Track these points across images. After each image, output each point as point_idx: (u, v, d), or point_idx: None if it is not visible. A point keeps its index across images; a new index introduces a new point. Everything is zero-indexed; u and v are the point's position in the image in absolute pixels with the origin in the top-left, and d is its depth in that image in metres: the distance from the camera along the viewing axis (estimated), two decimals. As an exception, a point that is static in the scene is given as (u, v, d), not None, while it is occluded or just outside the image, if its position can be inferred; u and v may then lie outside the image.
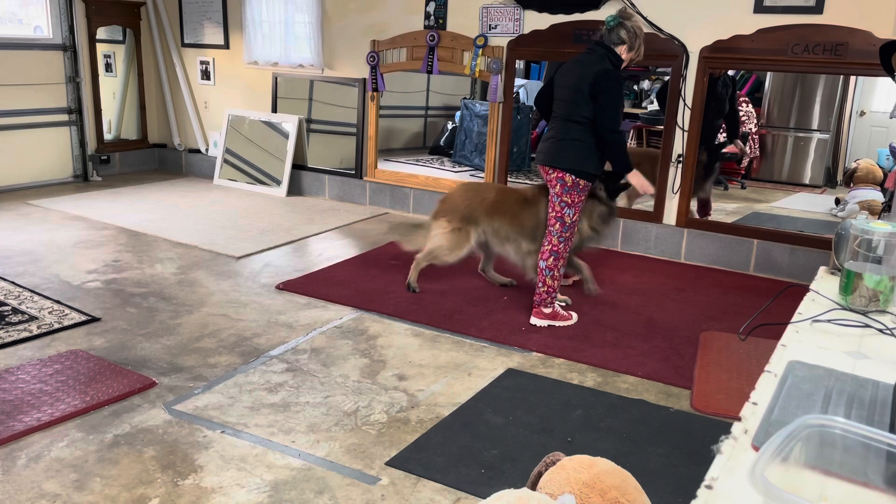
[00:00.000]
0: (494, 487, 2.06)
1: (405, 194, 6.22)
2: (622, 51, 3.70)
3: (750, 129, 6.56)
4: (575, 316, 3.94)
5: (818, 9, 4.43)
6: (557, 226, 3.78)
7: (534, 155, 7.30)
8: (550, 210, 3.81)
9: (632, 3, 4.95)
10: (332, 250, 5.08)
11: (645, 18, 4.93)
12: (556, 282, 3.85)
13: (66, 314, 3.74)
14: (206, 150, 7.45)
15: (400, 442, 2.67)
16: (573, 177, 3.69)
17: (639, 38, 3.71)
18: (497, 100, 5.67)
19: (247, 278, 4.43)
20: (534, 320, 3.86)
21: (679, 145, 5.01)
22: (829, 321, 1.69)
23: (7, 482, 2.37)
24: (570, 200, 3.75)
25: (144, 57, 7.48)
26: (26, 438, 2.62)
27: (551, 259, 3.80)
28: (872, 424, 1.15)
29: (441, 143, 7.67)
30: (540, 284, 3.85)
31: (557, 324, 3.85)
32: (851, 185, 5.61)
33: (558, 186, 3.74)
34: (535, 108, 4.35)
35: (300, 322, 3.78)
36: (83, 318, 3.70)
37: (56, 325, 3.59)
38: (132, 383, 3.02)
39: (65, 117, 6.86)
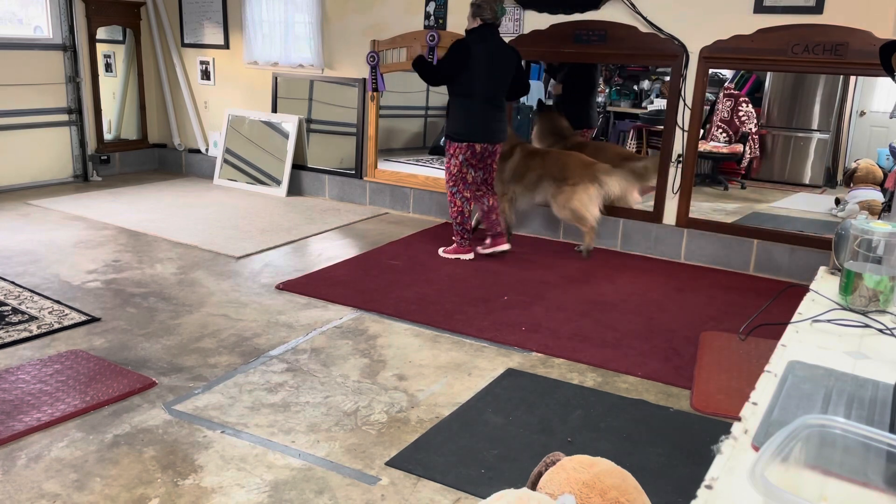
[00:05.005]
0: (494, 487, 2.05)
1: (405, 194, 6.22)
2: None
3: (750, 129, 6.56)
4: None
5: (818, 9, 4.43)
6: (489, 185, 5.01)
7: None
8: (489, 173, 4.92)
9: (632, 4, 4.95)
10: (332, 250, 5.08)
11: (645, 18, 4.93)
12: None
13: (66, 314, 3.74)
14: (206, 150, 7.45)
15: (400, 442, 2.67)
16: None
17: None
18: (497, 100, 5.66)
19: (247, 278, 4.43)
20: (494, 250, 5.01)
21: (679, 145, 5.01)
22: (829, 321, 1.69)
23: (7, 482, 2.37)
24: None
25: (144, 57, 7.48)
26: (26, 438, 2.62)
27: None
28: (872, 424, 1.15)
29: (441, 143, 7.67)
30: (497, 225, 5.00)
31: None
32: (851, 185, 5.61)
33: (497, 155, 4.91)
34: (436, 78, 4.84)
35: (300, 322, 3.78)
36: (83, 318, 3.70)
37: (56, 325, 3.59)
38: (132, 383, 3.02)
39: (65, 117, 6.86)
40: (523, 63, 5.06)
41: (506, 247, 4.98)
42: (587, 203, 4.94)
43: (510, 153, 5.17)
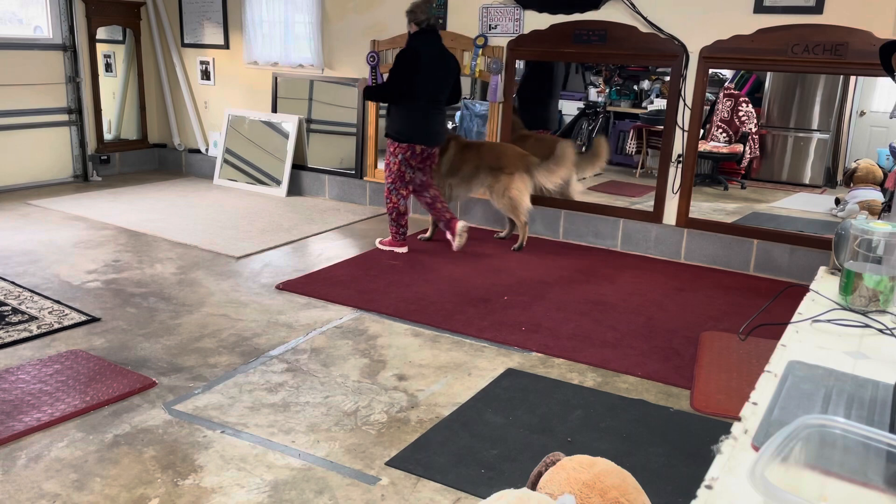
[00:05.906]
0: (494, 487, 2.06)
1: (405, 194, 6.22)
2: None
3: (750, 129, 6.56)
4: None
5: (818, 9, 4.43)
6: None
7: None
8: (428, 172, 5.01)
9: (632, 4, 4.95)
10: (332, 250, 5.08)
11: (645, 18, 4.93)
12: None
13: (66, 314, 3.74)
14: (206, 150, 7.45)
15: (400, 442, 2.67)
16: None
17: None
18: (497, 100, 5.67)
19: (247, 278, 4.43)
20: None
21: (679, 145, 5.01)
22: (829, 321, 1.69)
23: (7, 482, 2.37)
24: None
25: (144, 57, 7.48)
26: (26, 438, 2.62)
27: None
28: (872, 424, 1.15)
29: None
30: (446, 212, 5.03)
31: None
32: (851, 185, 5.61)
33: (435, 156, 5.01)
34: (394, 94, 4.82)
35: (300, 322, 3.78)
36: (83, 318, 3.70)
37: (56, 325, 3.59)
38: (132, 383, 3.02)
39: (65, 117, 6.86)
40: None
41: (462, 224, 4.95)
42: (524, 192, 5.07)
43: (445, 147, 5.24)
